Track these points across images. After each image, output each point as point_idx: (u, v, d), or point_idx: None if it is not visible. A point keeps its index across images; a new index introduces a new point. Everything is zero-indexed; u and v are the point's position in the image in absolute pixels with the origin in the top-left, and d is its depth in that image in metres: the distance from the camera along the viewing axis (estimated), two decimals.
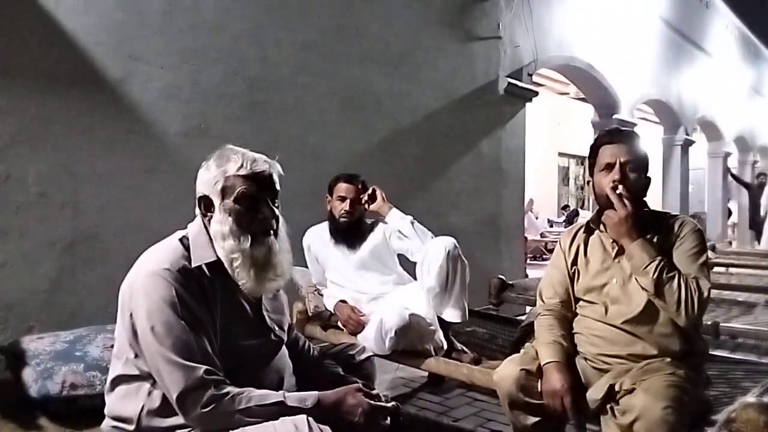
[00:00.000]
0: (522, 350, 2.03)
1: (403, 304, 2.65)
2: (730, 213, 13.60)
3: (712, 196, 12.76)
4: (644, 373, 1.71)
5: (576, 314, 1.97)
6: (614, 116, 7.96)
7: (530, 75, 6.03)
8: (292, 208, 1.54)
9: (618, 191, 1.79)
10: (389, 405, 1.45)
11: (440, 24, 5.03)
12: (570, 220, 11.51)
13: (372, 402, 1.42)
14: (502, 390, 1.86)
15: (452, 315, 2.63)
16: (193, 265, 1.39)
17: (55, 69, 2.82)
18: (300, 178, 3.60)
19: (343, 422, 1.37)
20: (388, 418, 1.44)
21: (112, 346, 1.49)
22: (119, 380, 1.42)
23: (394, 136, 4.60)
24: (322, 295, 3.01)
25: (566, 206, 13.71)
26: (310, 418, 1.29)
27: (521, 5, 5.82)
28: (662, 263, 1.73)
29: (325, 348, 1.88)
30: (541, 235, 11.02)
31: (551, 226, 11.90)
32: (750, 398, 1.68)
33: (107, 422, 1.45)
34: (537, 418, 1.83)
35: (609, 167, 1.86)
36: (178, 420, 1.34)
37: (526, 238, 7.23)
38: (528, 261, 8.24)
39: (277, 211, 1.49)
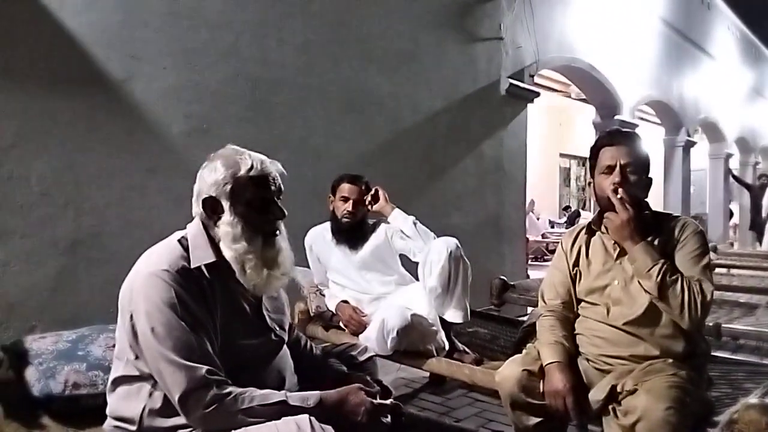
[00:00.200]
0: (524, 351, 2.03)
1: (404, 304, 2.66)
2: (731, 214, 13.59)
3: (714, 197, 12.76)
4: (646, 374, 1.70)
5: (578, 315, 1.97)
6: (615, 117, 7.96)
7: (532, 76, 6.03)
8: (293, 208, 1.53)
9: (619, 195, 1.79)
10: (388, 402, 1.45)
11: (442, 25, 5.03)
12: (571, 221, 11.50)
13: (374, 401, 1.42)
14: (504, 390, 1.86)
15: (454, 315, 2.63)
16: (192, 266, 1.39)
17: (58, 69, 2.82)
18: (302, 178, 3.60)
19: (346, 421, 1.37)
20: (389, 416, 1.45)
21: (114, 346, 1.49)
22: (120, 381, 1.43)
23: (395, 137, 4.61)
24: (323, 296, 3.02)
25: (567, 207, 13.70)
26: (313, 418, 1.29)
27: (523, 6, 5.82)
28: (665, 266, 1.73)
29: (327, 348, 1.88)
30: (543, 236, 11.01)
31: (552, 227, 11.89)
32: (752, 399, 1.68)
33: (109, 422, 1.45)
34: (539, 419, 1.82)
35: (609, 169, 1.86)
36: (180, 420, 1.34)
37: (527, 238, 7.22)
38: (529, 262, 8.25)
39: (285, 211, 1.50)
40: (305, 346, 1.78)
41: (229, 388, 1.32)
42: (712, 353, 1.90)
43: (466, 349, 2.71)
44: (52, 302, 2.79)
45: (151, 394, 1.38)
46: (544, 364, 1.82)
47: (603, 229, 1.94)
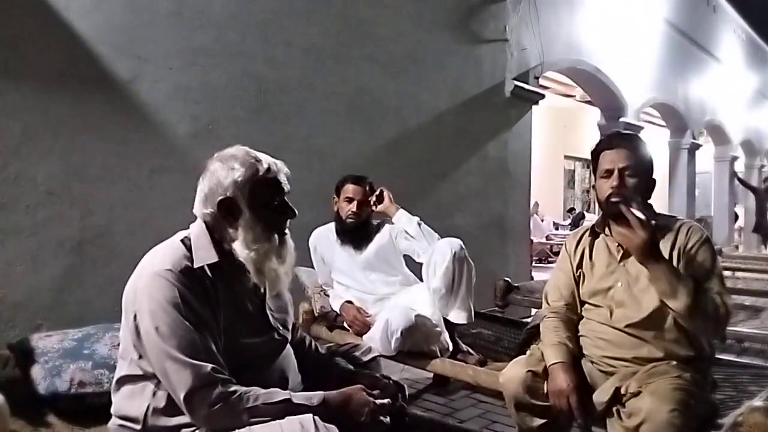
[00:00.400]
0: (528, 352, 2.03)
1: (409, 305, 2.66)
2: (736, 217, 13.55)
3: (719, 199, 12.72)
4: (650, 376, 1.70)
5: (581, 317, 1.97)
6: (621, 119, 7.95)
7: (537, 78, 6.03)
8: (298, 208, 1.54)
9: (637, 214, 1.70)
10: (386, 401, 1.46)
11: (447, 26, 5.04)
12: (575, 223, 11.48)
13: (377, 401, 1.43)
14: (508, 392, 1.86)
15: (458, 316, 2.63)
16: (195, 266, 1.39)
17: (64, 70, 2.84)
18: (307, 178, 3.61)
19: (350, 421, 1.37)
20: (394, 417, 1.45)
21: (119, 345, 1.50)
22: (124, 380, 1.43)
23: (400, 138, 4.61)
24: (328, 296, 3.02)
25: (572, 209, 13.67)
26: (317, 417, 1.29)
27: (528, 8, 5.82)
28: (693, 286, 1.68)
29: (332, 348, 1.88)
30: (547, 237, 11.01)
31: (557, 229, 11.88)
32: (757, 402, 1.68)
33: (114, 421, 1.45)
34: (543, 420, 1.82)
35: (608, 173, 1.86)
36: (184, 419, 1.34)
37: (531, 240, 7.21)
38: (533, 264, 8.23)
39: (296, 211, 1.52)
40: (310, 346, 1.79)
41: (234, 387, 1.32)
42: (717, 356, 1.89)
43: (470, 350, 2.71)
44: (58, 301, 2.81)
45: (155, 394, 1.38)
46: (547, 365, 1.82)
47: (607, 231, 1.94)
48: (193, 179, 1.50)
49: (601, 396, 1.74)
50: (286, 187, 1.51)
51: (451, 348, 2.66)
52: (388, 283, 2.89)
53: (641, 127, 8.42)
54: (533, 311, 3.95)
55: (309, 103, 3.93)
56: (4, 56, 2.64)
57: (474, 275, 2.66)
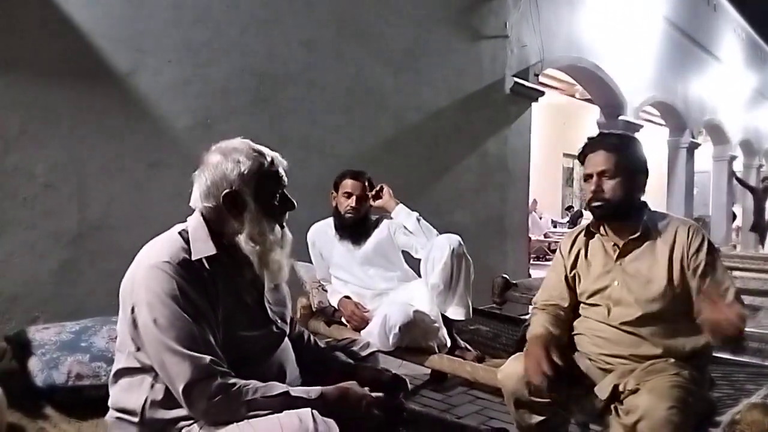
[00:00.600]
0: (525, 349, 2.03)
1: (407, 300, 2.66)
2: (734, 216, 13.57)
3: (717, 199, 12.75)
4: (648, 373, 1.70)
5: (570, 313, 1.98)
6: (620, 118, 7.95)
7: (537, 75, 6.03)
8: (297, 203, 1.54)
9: (734, 316, 1.62)
10: (381, 395, 1.46)
11: (447, 22, 5.03)
12: (574, 221, 11.49)
13: (374, 394, 1.43)
14: (507, 388, 1.87)
15: (456, 312, 2.63)
16: (193, 258, 1.39)
17: (63, 62, 2.83)
18: (305, 173, 3.60)
19: (348, 415, 1.37)
20: (391, 412, 1.46)
21: (117, 338, 1.49)
22: (122, 373, 1.42)
23: (399, 134, 4.60)
24: (326, 291, 3.01)
25: (570, 207, 13.67)
26: (315, 411, 1.28)
27: (529, 5, 5.81)
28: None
29: (330, 343, 1.88)
30: (545, 235, 11.01)
31: (555, 227, 11.88)
32: (755, 400, 1.68)
33: (111, 414, 1.45)
34: (541, 417, 1.83)
35: (589, 177, 1.87)
36: (182, 412, 1.33)
37: (529, 238, 7.22)
38: (531, 261, 8.24)
39: (295, 203, 1.53)
40: (309, 340, 1.78)
41: (234, 379, 1.32)
42: (714, 354, 1.89)
43: (468, 347, 2.70)
44: (56, 293, 2.80)
45: (152, 386, 1.37)
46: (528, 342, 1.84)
47: (602, 231, 1.94)
48: (191, 173, 1.49)
49: (599, 393, 1.74)
50: (285, 179, 1.51)
51: (449, 344, 2.65)
52: (386, 278, 2.89)
53: (640, 126, 8.42)
54: (531, 309, 3.94)
55: (308, 98, 3.92)
56: (2, 48, 2.63)
57: (472, 272, 2.66)
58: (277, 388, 1.35)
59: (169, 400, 1.35)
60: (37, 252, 2.75)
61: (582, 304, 1.96)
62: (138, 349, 1.38)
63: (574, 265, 1.98)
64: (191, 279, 1.36)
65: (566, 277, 2.00)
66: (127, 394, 1.41)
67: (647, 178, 1.90)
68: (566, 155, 14.13)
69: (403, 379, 1.65)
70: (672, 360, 1.74)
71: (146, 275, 1.35)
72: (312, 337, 1.81)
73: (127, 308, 1.37)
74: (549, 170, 13.11)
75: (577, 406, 1.82)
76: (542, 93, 6.10)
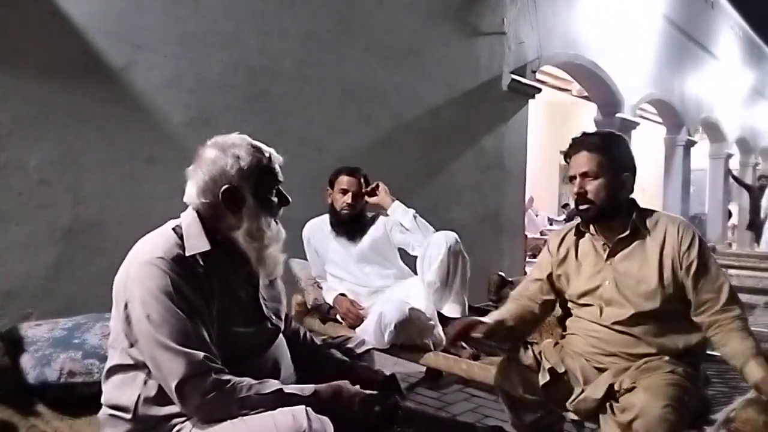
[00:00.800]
0: (521, 347, 2.03)
1: (403, 298, 2.65)
2: (730, 214, 13.59)
3: (713, 197, 12.76)
4: (644, 371, 1.70)
5: (543, 310, 2.00)
6: (617, 115, 7.96)
7: (534, 72, 6.02)
8: (292, 200, 1.53)
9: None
10: (375, 393, 1.46)
11: (445, 19, 5.01)
12: (570, 219, 11.48)
13: (367, 392, 1.42)
14: (501, 386, 1.86)
15: (452, 310, 2.62)
16: (187, 254, 1.38)
17: (57, 56, 2.81)
18: (301, 170, 3.58)
19: (341, 413, 1.36)
20: (387, 409, 1.45)
21: (110, 335, 1.48)
22: (115, 370, 1.41)
23: (396, 130, 4.59)
24: (321, 288, 3.01)
25: (566, 205, 13.64)
26: (309, 409, 1.28)
27: (526, 2, 5.80)
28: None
29: (325, 341, 1.87)
30: (541, 233, 10.98)
31: (551, 225, 11.86)
32: (749, 398, 1.68)
33: (104, 410, 1.44)
34: (536, 415, 1.82)
35: (572, 179, 1.87)
36: (175, 408, 1.33)
37: (526, 235, 7.22)
38: (527, 258, 8.23)
39: (289, 198, 1.53)
40: (305, 337, 1.78)
41: (228, 376, 1.31)
42: (709, 352, 1.89)
43: (464, 344, 2.69)
44: (49, 290, 2.78)
45: (145, 383, 1.36)
46: None
47: (592, 230, 1.92)
48: (186, 168, 1.48)
49: (594, 392, 1.74)
50: (281, 174, 1.52)
51: (444, 342, 2.65)
52: (382, 275, 2.88)
53: (637, 123, 8.43)
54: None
55: (304, 94, 3.91)
56: None
57: (469, 269, 2.65)
58: (271, 385, 1.34)
59: (162, 397, 1.34)
60: (30, 248, 2.73)
61: (574, 305, 1.95)
62: (131, 346, 1.37)
63: (560, 264, 1.97)
64: (185, 275, 1.34)
65: (550, 274, 1.98)
66: (120, 391, 1.40)
67: (635, 176, 1.87)
68: (563, 153, 14.11)
69: (396, 381, 1.64)
70: (666, 357, 1.74)
71: (140, 271, 1.34)
72: (308, 334, 1.80)
73: (121, 304, 1.36)
74: (546, 167, 13.10)
75: (571, 405, 1.81)
76: (539, 90, 6.09)
